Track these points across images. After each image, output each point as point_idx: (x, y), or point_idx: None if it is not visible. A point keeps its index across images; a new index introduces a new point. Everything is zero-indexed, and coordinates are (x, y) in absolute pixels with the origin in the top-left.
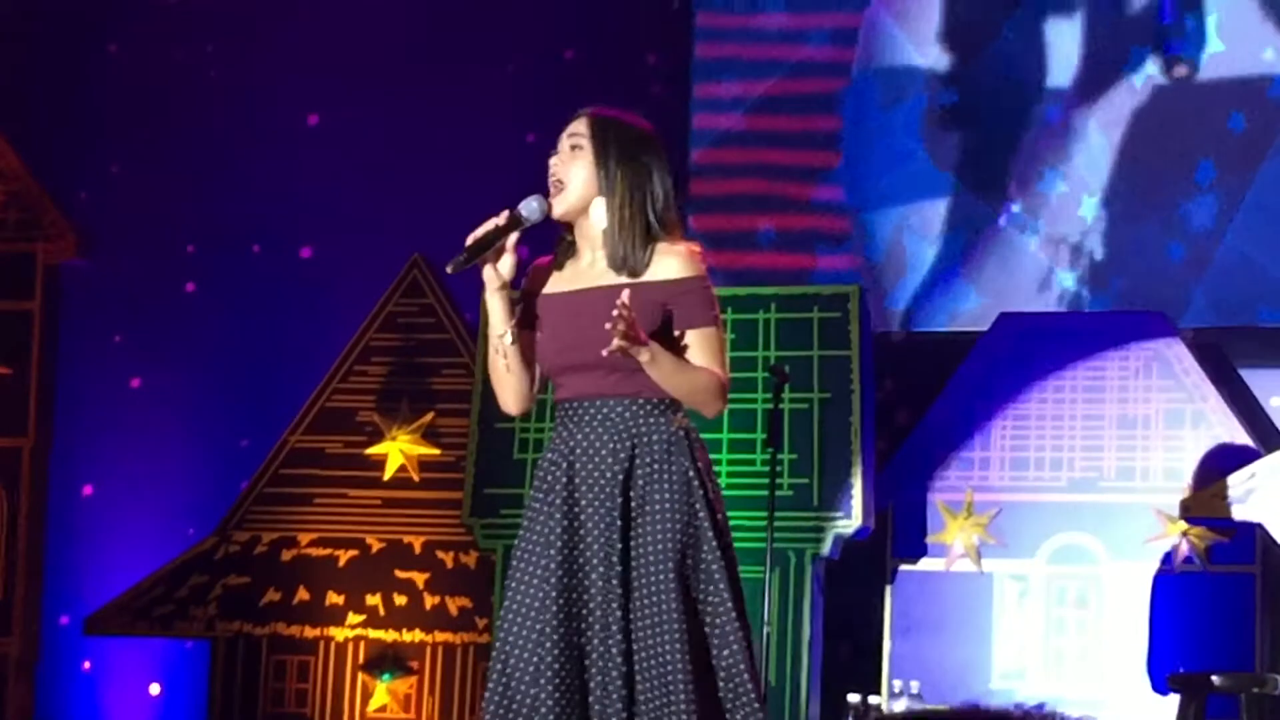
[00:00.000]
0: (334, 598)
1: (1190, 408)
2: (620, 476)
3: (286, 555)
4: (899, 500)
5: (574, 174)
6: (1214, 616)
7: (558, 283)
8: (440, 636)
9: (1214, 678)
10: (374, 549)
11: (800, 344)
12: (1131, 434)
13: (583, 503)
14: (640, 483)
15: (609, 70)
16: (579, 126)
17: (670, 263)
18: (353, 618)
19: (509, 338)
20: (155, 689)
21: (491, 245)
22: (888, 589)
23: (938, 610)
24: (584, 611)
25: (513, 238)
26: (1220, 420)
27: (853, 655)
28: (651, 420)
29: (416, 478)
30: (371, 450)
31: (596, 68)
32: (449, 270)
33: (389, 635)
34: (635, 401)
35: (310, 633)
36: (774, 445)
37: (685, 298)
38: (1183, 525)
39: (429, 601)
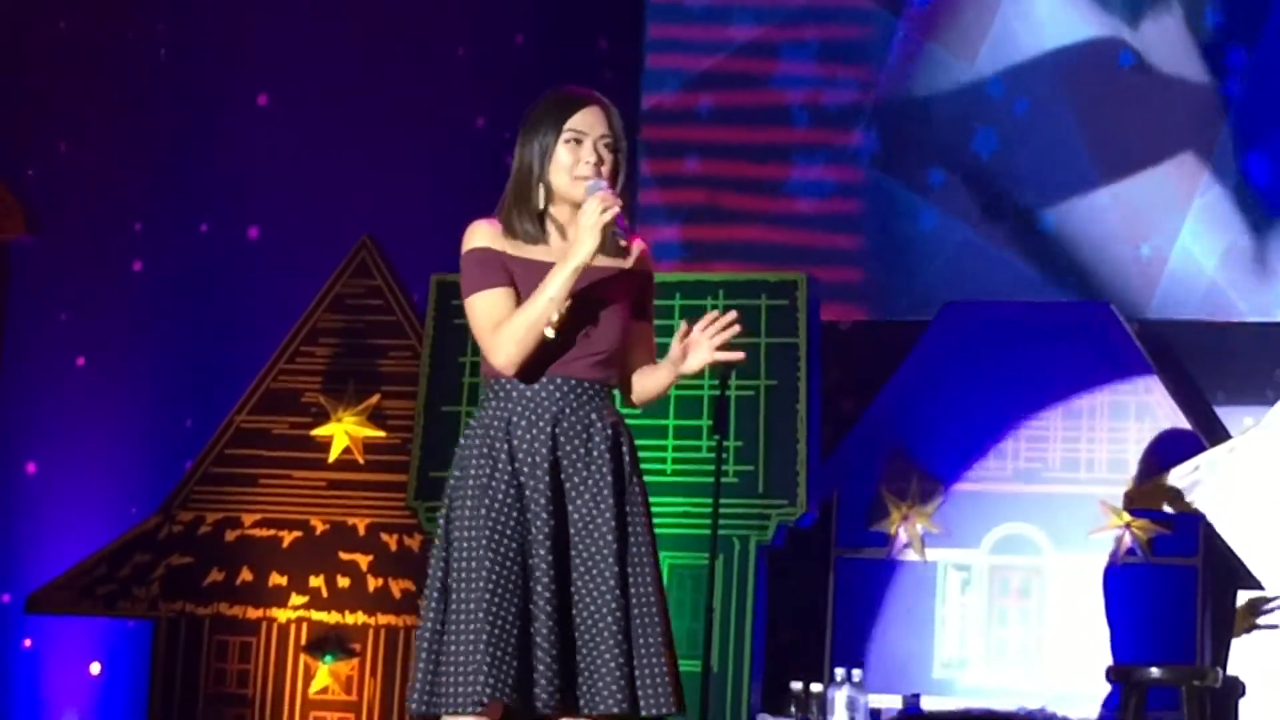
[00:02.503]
0: (277, 579)
1: (1135, 400)
2: (610, 462)
3: (230, 536)
4: (844, 489)
5: (608, 172)
6: (1156, 608)
7: (535, 253)
8: (383, 619)
9: (1155, 670)
10: (318, 530)
11: (747, 331)
12: (1076, 425)
13: (569, 477)
14: (625, 473)
15: (560, 55)
16: (608, 127)
17: (643, 257)
18: (296, 599)
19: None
20: (96, 668)
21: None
22: (831, 577)
23: (881, 599)
24: (570, 590)
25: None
26: (1165, 413)
27: (795, 643)
28: (612, 409)
29: (362, 460)
30: (317, 432)
31: (547, 52)
32: (624, 243)
33: (332, 617)
34: (606, 387)
35: (253, 613)
36: (719, 432)
37: (649, 291)
38: (1126, 517)
39: (372, 584)
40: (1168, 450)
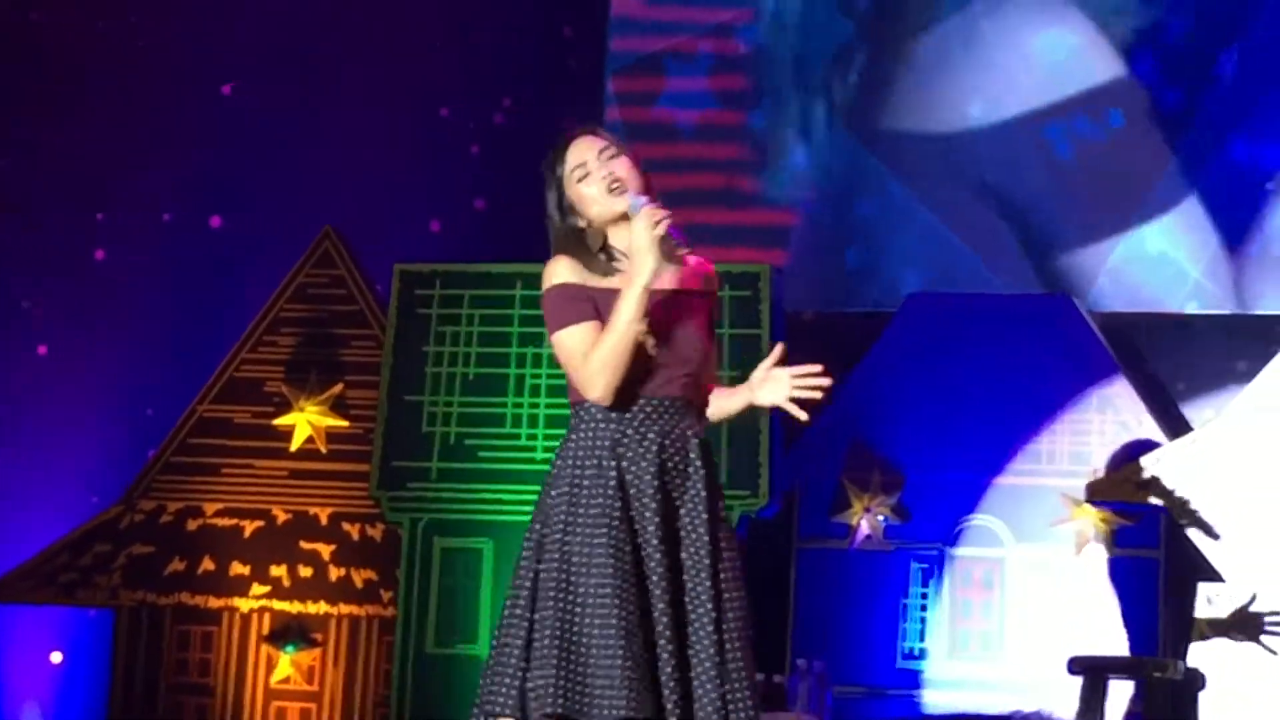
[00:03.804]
0: (239, 568)
1: (1097, 392)
2: (705, 477)
3: (192, 525)
4: (806, 480)
5: (626, 174)
6: (1117, 600)
7: (614, 281)
8: (345, 609)
9: (1115, 661)
10: (280, 520)
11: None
12: (1038, 417)
13: (676, 498)
14: (708, 490)
15: (524, 44)
16: (600, 141)
17: (710, 273)
18: (257, 589)
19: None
20: (57, 657)
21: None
22: (793, 568)
23: (843, 590)
24: (681, 608)
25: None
26: (1126, 405)
27: (757, 634)
28: (700, 421)
29: (324, 449)
30: (279, 421)
31: (511, 42)
32: (684, 251)
33: (294, 607)
34: (695, 404)
35: (215, 603)
36: None
37: (717, 311)
38: (1088, 509)
39: (334, 574)
40: (1129, 443)
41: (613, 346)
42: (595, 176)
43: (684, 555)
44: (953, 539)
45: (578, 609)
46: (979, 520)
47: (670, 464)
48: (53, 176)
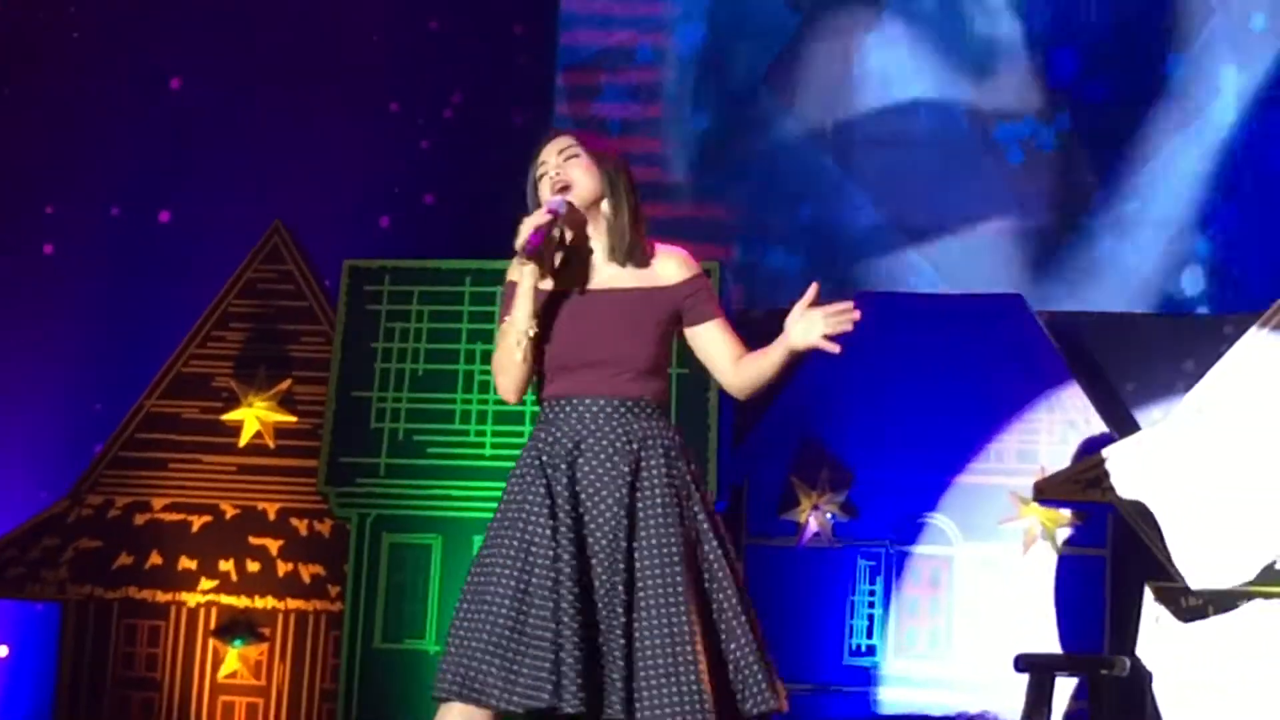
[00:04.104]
0: (187, 563)
1: (1046, 391)
2: (629, 475)
3: (140, 519)
4: (754, 477)
5: (578, 176)
6: (1064, 598)
7: (564, 281)
8: (293, 604)
9: (1062, 659)
10: (228, 515)
11: None
12: (987, 416)
13: (584, 497)
14: (646, 485)
15: (475, 40)
16: (564, 141)
17: (674, 265)
18: (205, 583)
19: (532, 331)
20: (3, 651)
21: (548, 236)
22: (741, 565)
23: (791, 587)
24: (592, 602)
25: (557, 232)
26: (1075, 404)
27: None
28: (652, 423)
29: (272, 444)
30: (227, 416)
31: (462, 38)
32: (526, 258)
33: (241, 601)
34: (638, 403)
35: (162, 597)
36: None
37: (696, 296)
38: (1035, 507)
39: (282, 568)
40: (1078, 442)
41: (501, 351)
42: (549, 177)
43: (592, 555)
44: (901, 537)
45: (477, 598)
46: (927, 518)
47: (590, 466)
48: (1, 170)
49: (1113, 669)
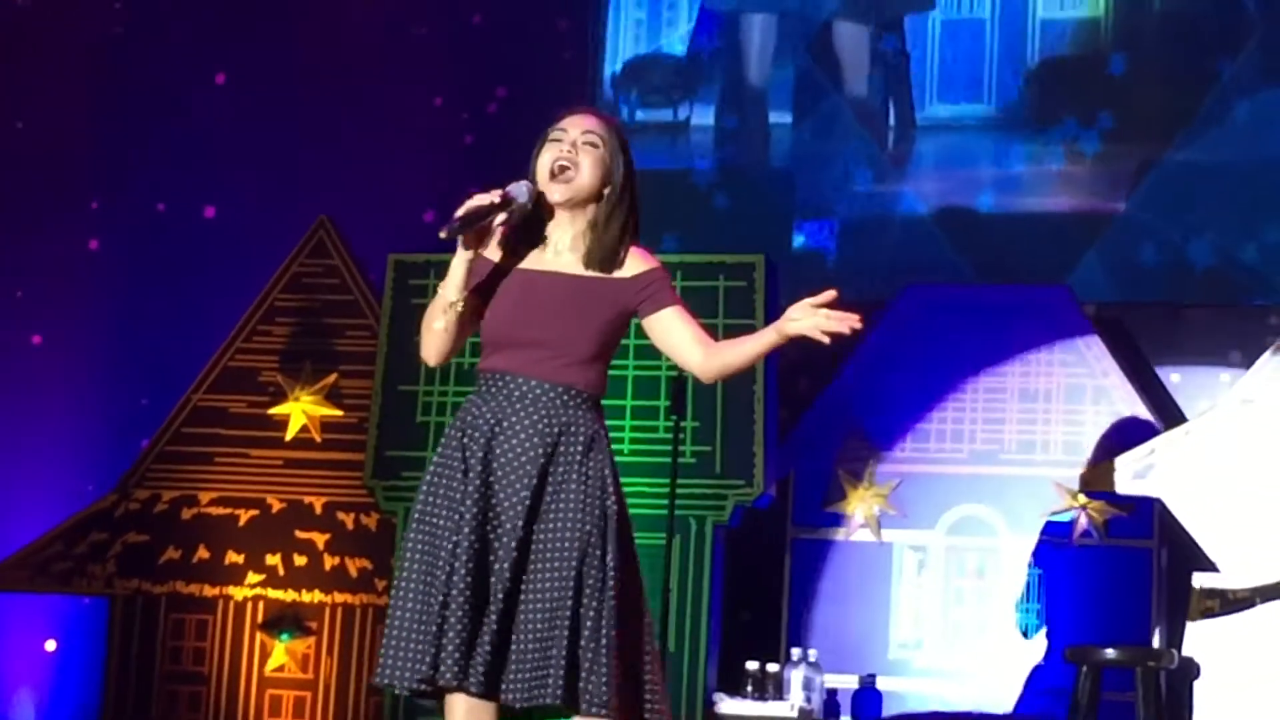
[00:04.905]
0: (233, 557)
1: (1091, 383)
2: (541, 459)
3: (187, 514)
4: (800, 469)
5: (587, 167)
6: (1111, 590)
7: (516, 259)
8: (339, 597)
9: (1110, 651)
10: (274, 509)
11: (706, 313)
12: (1033, 408)
13: (498, 474)
14: (560, 471)
15: (519, 35)
16: (593, 124)
17: (629, 259)
18: (252, 577)
19: (460, 305)
20: (51, 645)
21: (483, 220)
22: (787, 558)
23: (837, 579)
24: (486, 575)
25: (500, 217)
26: (1121, 396)
27: (752, 623)
28: (579, 412)
29: (318, 438)
30: (274, 410)
31: (506, 33)
32: (442, 235)
33: (288, 595)
34: (569, 390)
35: (209, 591)
36: (677, 413)
37: (651, 287)
38: (1082, 499)
39: (329, 562)
40: (1123, 433)
41: (428, 312)
42: (557, 149)
43: (493, 534)
44: (947, 528)
45: (400, 576)
46: (973, 510)
47: (508, 444)
48: (47, 166)
49: (1160, 661)
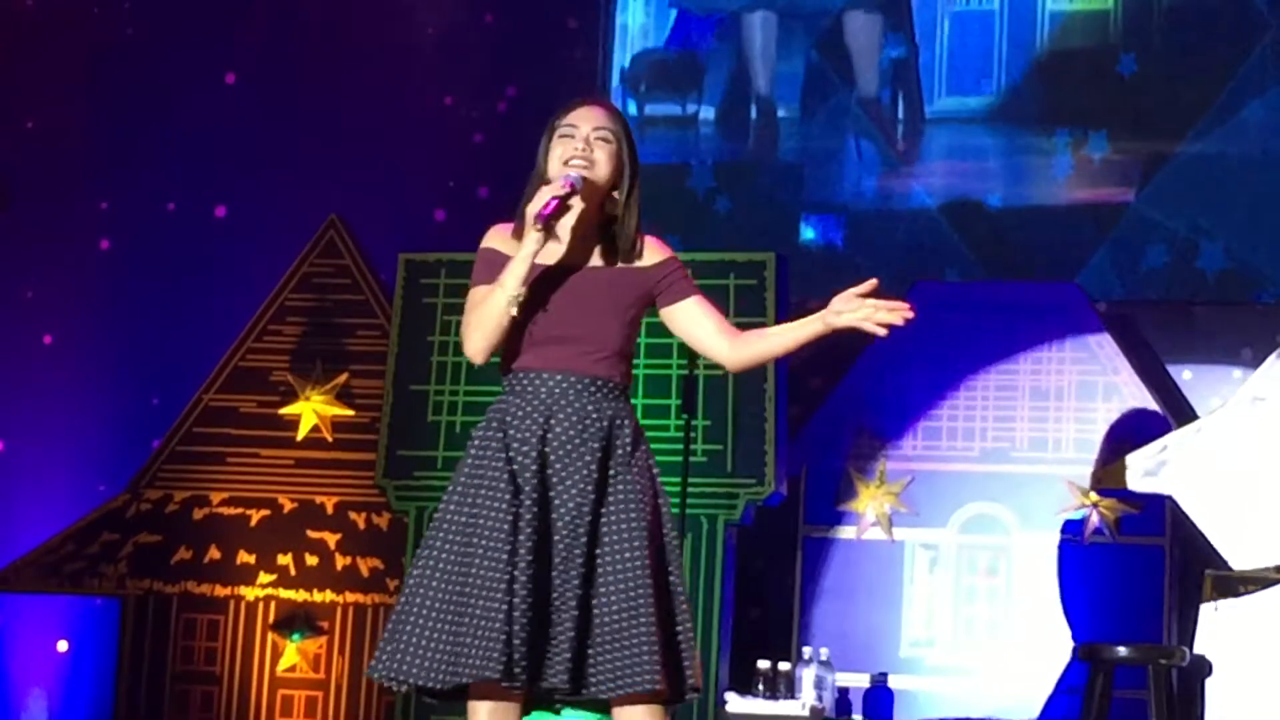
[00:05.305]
0: (245, 557)
1: (1103, 380)
2: (599, 453)
3: (198, 514)
4: (811, 467)
5: (602, 161)
6: (1123, 588)
7: (548, 255)
8: (351, 597)
9: (1122, 649)
10: (286, 509)
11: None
12: (1044, 405)
13: (555, 468)
14: (617, 463)
15: (530, 34)
16: (605, 120)
17: (647, 249)
18: (264, 577)
19: (521, 297)
20: (63, 646)
21: (564, 211)
22: (799, 556)
23: (848, 577)
24: (548, 573)
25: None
26: (1132, 393)
27: (763, 621)
28: (620, 404)
29: (330, 438)
30: (285, 410)
31: (517, 31)
32: (536, 229)
33: (300, 595)
34: (607, 383)
35: (221, 591)
36: (688, 411)
37: (670, 276)
38: (1094, 497)
39: (340, 562)
40: (1135, 430)
41: (483, 310)
42: (572, 142)
43: (558, 533)
44: (958, 527)
45: (422, 572)
46: (984, 508)
47: (559, 441)
48: (57, 166)
49: (1172, 659)
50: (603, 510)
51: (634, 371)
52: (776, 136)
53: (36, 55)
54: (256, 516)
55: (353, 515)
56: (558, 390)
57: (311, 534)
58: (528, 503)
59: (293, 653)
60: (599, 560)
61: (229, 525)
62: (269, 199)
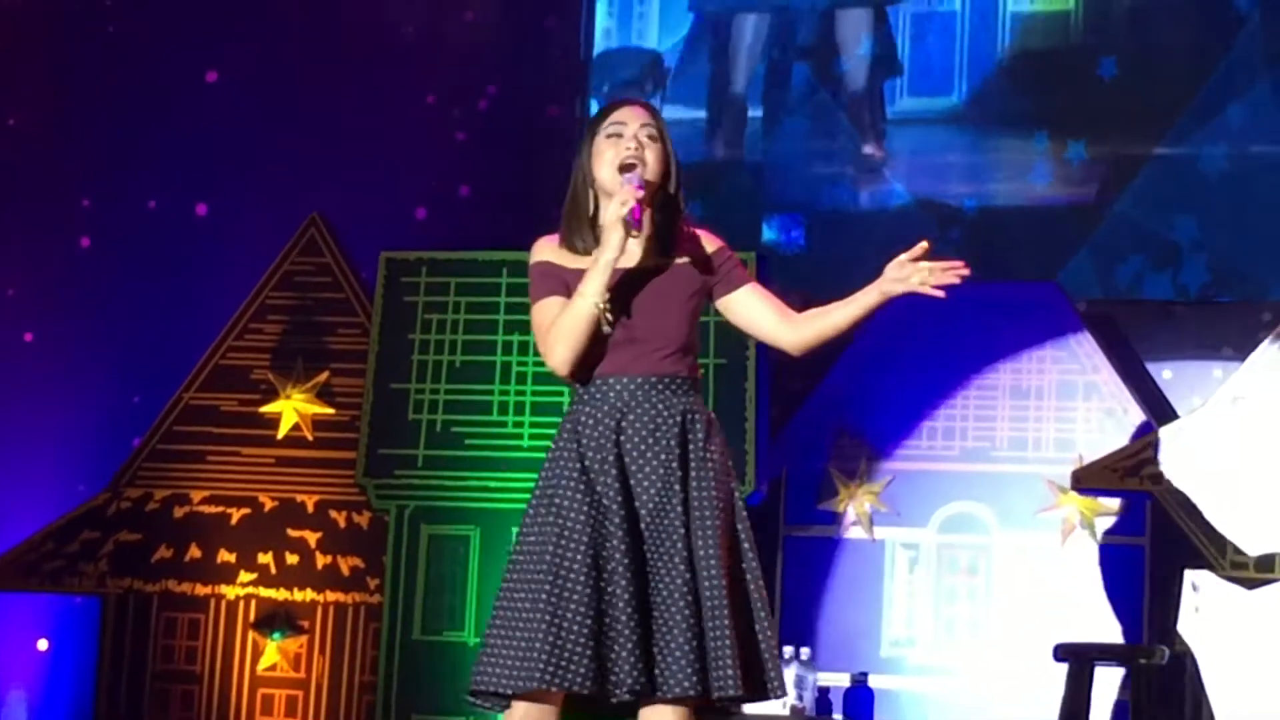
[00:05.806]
0: (225, 555)
1: (1083, 379)
2: (676, 449)
3: (179, 512)
4: (792, 467)
5: (653, 161)
6: (1103, 587)
7: (588, 262)
8: (331, 596)
9: (1102, 648)
10: (266, 507)
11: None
12: (1024, 405)
13: (633, 470)
14: (694, 459)
15: (509, 33)
16: (649, 117)
17: (698, 241)
18: (244, 576)
19: (608, 308)
20: (43, 645)
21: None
22: (779, 555)
23: (829, 577)
24: (645, 578)
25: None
26: (1112, 392)
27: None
28: (691, 398)
29: (310, 437)
30: (265, 408)
31: (497, 30)
32: (634, 235)
33: (280, 594)
34: (675, 379)
35: (201, 590)
36: None
37: (726, 265)
38: (1074, 496)
39: (321, 561)
40: (1115, 429)
41: (568, 319)
42: (622, 142)
43: (649, 535)
44: (939, 526)
45: (511, 586)
46: (965, 507)
47: (632, 443)
48: (38, 163)
49: (1152, 658)
50: (688, 508)
51: None
52: (743, 137)
53: (17, 52)
54: (237, 515)
55: (333, 514)
56: (626, 393)
57: (292, 533)
58: (613, 508)
59: (273, 652)
60: (693, 561)
61: (209, 524)
62: (250, 197)
